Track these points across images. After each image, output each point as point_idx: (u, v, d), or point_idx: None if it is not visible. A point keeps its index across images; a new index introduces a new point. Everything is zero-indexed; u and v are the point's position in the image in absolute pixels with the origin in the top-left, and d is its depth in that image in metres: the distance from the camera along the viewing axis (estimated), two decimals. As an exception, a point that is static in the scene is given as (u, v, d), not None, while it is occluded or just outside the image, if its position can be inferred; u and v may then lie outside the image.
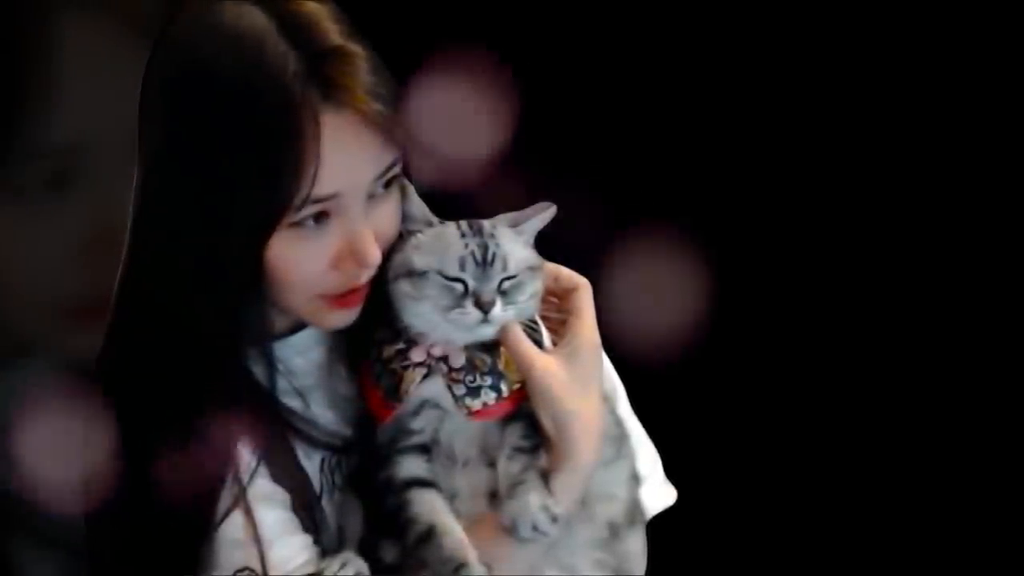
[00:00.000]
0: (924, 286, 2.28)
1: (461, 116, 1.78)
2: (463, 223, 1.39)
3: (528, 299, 1.38)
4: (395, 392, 1.37)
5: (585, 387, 1.38)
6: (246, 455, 1.37)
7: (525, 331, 1.38)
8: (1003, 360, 2.28)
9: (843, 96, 2.25)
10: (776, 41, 2.24)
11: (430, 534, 1.34)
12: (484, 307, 1.34)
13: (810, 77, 2.24)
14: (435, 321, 1.35)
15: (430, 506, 1.35)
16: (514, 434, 1.37)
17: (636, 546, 1.43)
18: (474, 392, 1.37)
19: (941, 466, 2.28)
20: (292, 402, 1.42)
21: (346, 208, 1.33)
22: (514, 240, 1.38)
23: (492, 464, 1.37)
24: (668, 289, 2.13)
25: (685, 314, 2.17)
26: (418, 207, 1.39)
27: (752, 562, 2.28)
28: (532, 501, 1.33)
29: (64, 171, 2.11)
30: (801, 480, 2.29)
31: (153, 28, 2.05)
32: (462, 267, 1.35)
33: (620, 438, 1.44)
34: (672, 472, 1.55)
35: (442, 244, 1.36)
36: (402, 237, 1.39)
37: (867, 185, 2.28)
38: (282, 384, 1.41)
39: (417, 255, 1.36)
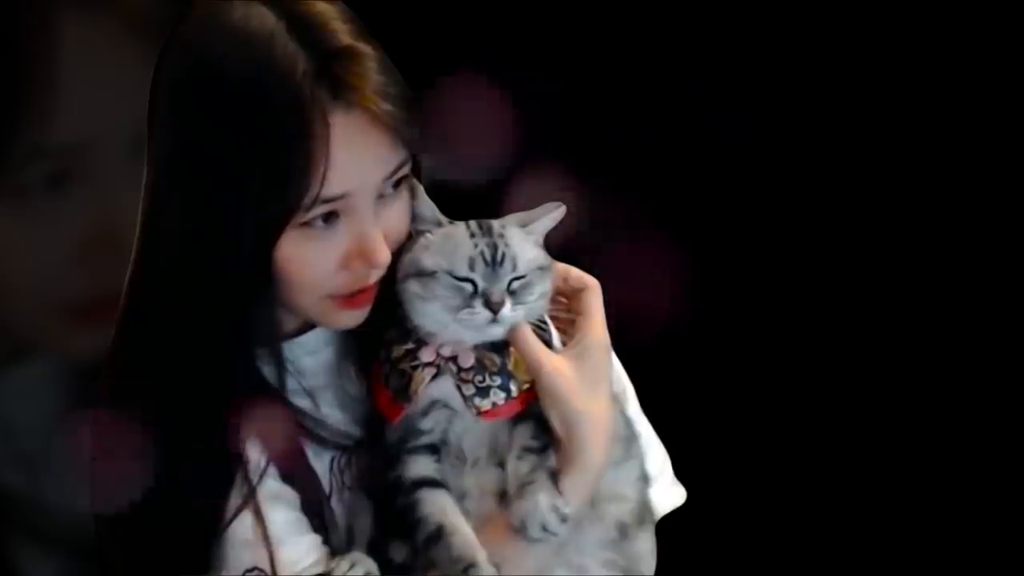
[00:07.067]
0: (930, 286, 2.29)
1: (469, 116, 1.78)
2: (472, 223, 1.38)
3: (537, 299, 1.38)
4: (404, 392, 1.37)
5: (594, 387, 1.38)
6: (255, 455, 1.37)
7: (534, 331, 1.38)
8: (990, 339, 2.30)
9: (827, 97, 2.26)
10: (763, 41, 2.26)
11: (439, 534, 1.34)
12: (493, 307, 1.34)
13: (797, 75, 2.26)
14: (444, 321, 1.35)
15: (439, 506, 1.35)
16: (523, 434, 1.37)
17: (645, 546, 1.43)
18: (483, 392, 1.37)
19: (948, 473, 2.29)
20: (302, 402, 1.42)
21: (355, 208, 1.33)
22: (524, 240, 1.38)
23: (501, 464, 1.37)
24: (676, 288, 2.13)
25: (697, 314, 2.18)
26: (428, 207, 1.39)
27: (761, 562, 2.28)
28: (541, 501, 1.33)
29: (64, 171, 2.11)
30: (810, 481, 2.29)
31: (153, 28, 2.06)
32: (471, 267, 1.35)
33: (629, 438, 1.44)
34: (681, 472, 1.55)
35: (451, 244, 1.36)
36: (411, 237, 1.38)
37: (867, 188, 2.29)
38: (291, 384, 1.41)
39: (426, 255, 1.36)
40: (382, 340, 1.40)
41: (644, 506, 1.44)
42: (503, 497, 1.36)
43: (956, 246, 2.29)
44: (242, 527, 1.35)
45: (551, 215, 1.40)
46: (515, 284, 1.36)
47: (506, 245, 1.36)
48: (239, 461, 1.36)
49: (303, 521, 1.38)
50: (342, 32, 1.33)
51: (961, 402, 2.29)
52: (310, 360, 1.44)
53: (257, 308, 1.36)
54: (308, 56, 1.30)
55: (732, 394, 2.30)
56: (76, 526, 1.92)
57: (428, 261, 1.36)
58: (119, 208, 1.93)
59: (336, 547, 1.38)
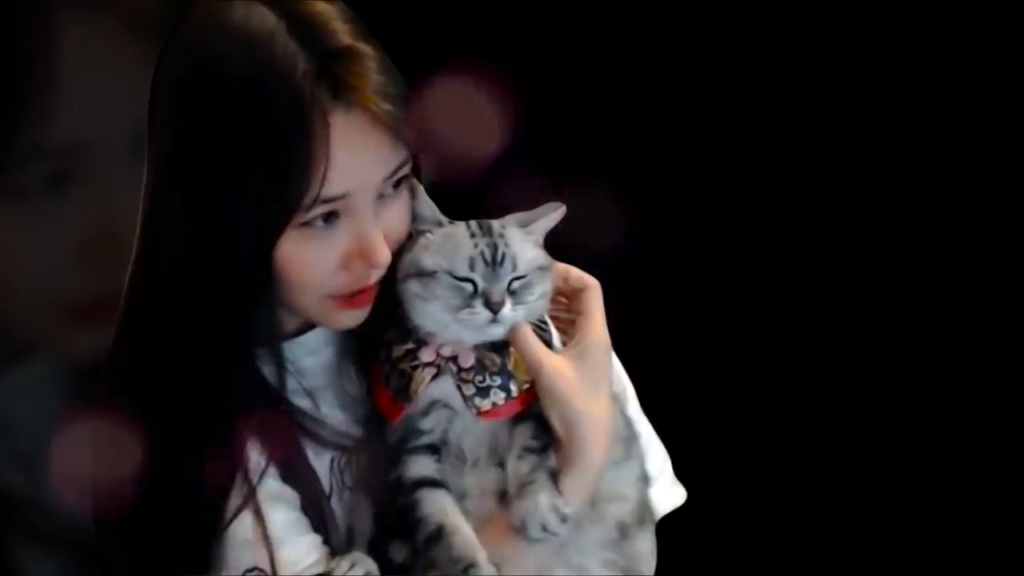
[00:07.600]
0: (930, 286, 2.30)
1: (470, 116, 1.78)
2: (473, 223, 1.38)
3: (537, 299, 1.38)
4: (405, 392, 1.37)
5: (594, 387, 1.38)
6: (255, 455, 1.37)
7: (534, 331, 1.38)
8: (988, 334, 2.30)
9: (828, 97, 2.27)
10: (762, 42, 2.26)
11: (440, 534, 1.34)
12: (494, 307, 1.34)
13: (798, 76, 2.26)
14: (445, 321, 1.35)
15: (440, 506, 1.35)
16: (524, 434, 1.37)
17: (646, 546, 1.43)
18: (483, 392, 1.37)
19: (948, 472, 2.29)
20: (302, 402, 1.42)
21: (356, 208, 1.33)
22: (524, 240, 1.38)
23: (501, 464, 1.37)
24: (676, 288, 2.14)
25: (697, 314, 2.18)
26: (428, 207, 1.39)
27: (761, 562, 2.28)
28: (542, 501, 1.33)
29: (64, 171, 2.11)
30: (810, 480, 2.30)
31: (153, 28, 2.07)
32: (472, 267, 1.35)
33: (630, 438, 1.44)
34: (681, 472, 1.55)
35: (452, 244, 1.36)
36: (412, 237, 1.38)
37: (868, 188, 2.30)
38: (292, 384, 1.41)
39: (427, 255, 1.36)
40: (382, 340, 1.40)
41: (644, 506, 1.44)
42: (503, 497, 1.36)
43: (956, 247, 2.29)
44: (242, 527, 1.35)
45: (551, 215, 1.40)
46: (515, 284, 1.36)
47: (506, 245, 1.36)
48: (239, 461, 1.36)
49: (303, 521, 1.38)
50: (342, 32, 1.33)
51: (961, 402, 2.29)
52: (310, 360, 1.44)
53: (257, 308, 1.36)
54: (308, 56, 1.30)
55: (732, 394, 2.30)
56: (76, 526, 1.92)
57: (428, 261, 1.36)
58: (119, 208, 1.93)
59: (336, 547, 1.38)
